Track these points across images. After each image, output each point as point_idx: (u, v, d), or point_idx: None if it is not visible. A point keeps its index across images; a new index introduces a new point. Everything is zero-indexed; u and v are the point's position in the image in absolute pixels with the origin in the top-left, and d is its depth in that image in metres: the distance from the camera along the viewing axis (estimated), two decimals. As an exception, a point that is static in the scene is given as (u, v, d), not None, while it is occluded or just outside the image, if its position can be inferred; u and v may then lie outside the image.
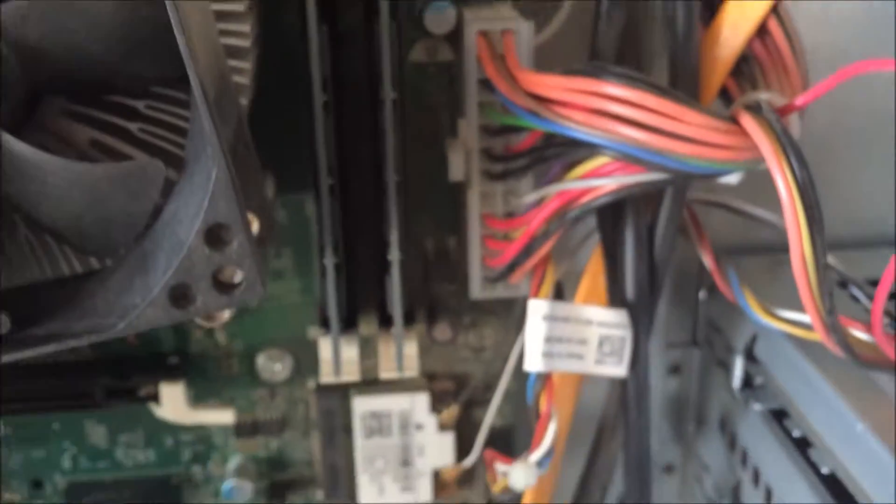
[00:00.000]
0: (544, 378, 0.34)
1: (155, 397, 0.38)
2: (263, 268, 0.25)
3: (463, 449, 0.42)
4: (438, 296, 0.39)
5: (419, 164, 0.36)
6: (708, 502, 0.44)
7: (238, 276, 0.24)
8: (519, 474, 0.35)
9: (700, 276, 0.44)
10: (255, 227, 0.29)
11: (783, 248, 0.30)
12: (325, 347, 0.36)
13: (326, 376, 0.36)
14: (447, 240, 0.39)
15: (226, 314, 0.28)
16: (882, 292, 0.29)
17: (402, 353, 0.36)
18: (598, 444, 0.39)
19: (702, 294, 0.43)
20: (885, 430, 0.30)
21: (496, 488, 0.38)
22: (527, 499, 0.38)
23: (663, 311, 0.45)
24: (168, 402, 0.38)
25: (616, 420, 0.38)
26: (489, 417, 0.40)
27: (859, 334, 0.31)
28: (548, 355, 0.33)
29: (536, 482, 0.37)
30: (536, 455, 0.34)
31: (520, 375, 0.38)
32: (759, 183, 0.32)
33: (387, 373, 0.37)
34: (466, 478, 0.43)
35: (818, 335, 0.30)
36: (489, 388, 0.41)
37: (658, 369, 0.46)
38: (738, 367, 0.39)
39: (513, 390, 0.42)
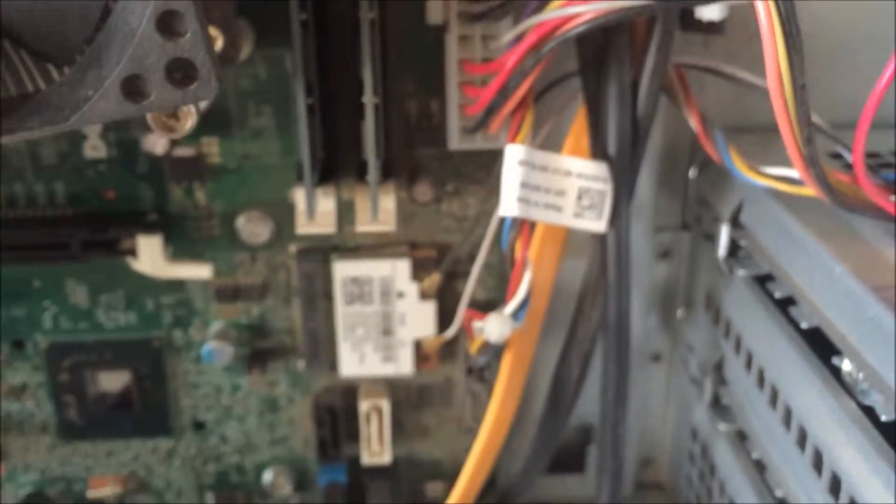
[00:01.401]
0: (519, 225, 0.33)
1: (133, 252, 0.38)
2: (219, 66, 0.24)
3: (445, 322, 0.42)
4: (421, 158, 0.39)
5: (399, 11, 0.35)
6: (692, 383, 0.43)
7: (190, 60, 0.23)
8: (494, 325, 0.34)
9: (690, 156, 0.43)
10: (220, 43, 0.29)
11: (773, 128, 0.29)
12: (300, 198, 0.35)
13: (302, 227, 0.36)
14: (430, 102, 0.38)
15: (188, 124, 0.27)
16: (863, 128, 0.28)
17: (378, 205, 0.35)
18: (578, 312, 0.39)
19: (691, 172, 0.43)
20: (863, 272, 0.29)
21: (473, 348, 0.37)
22: (506, 361, 0.38)
23: (652, 195, 0.44)
24: (145, 256, 0.37)
25: (597, 285, 0.37)
26: (470, 287, 0.40)
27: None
28: (524, 201, 0.32)
29: (514, 343, 0.37)
30: (511, 305, 0.34)
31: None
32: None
33: (364, 226, 0.36)
34: (448, 352, 0.43)
35: (798, 172, 0.29)
36: (472, 258, 0.41)
37: (647, 255, 0.45)
38: (724, 235, 0.38)
39: (495, 262, 0.41)
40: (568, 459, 0.48)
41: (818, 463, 0.31)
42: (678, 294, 0.46)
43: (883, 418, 0.28)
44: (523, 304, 0.34)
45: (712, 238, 0.40)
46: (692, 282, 0.44)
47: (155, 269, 0.38)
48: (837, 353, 0.30)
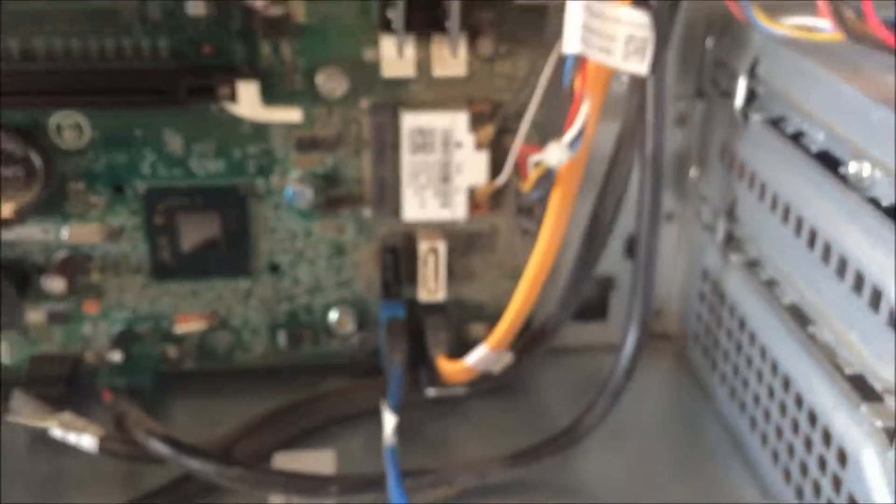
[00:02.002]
0: (580, 62, 0.39)
1: (231, 96, 0.43)
2: None
3: (495, 173, 0.48)
4: (479, 19, 0.44)
5: None
6: (705, 229, 0.50)
7: None
8: (553, 152, 0.40)
9: (707, 29, 0.49)
10: None
11: None
12: (387, 45, 0.41)
13: (389, 72, 0.42)
14: (490, -32, 0.44)
15: None
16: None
17: (456, 52, 0.41)
18: (616, 155, 0.45)
19: (708, 42, 0.49)
20: (868, 90, 0.36)
21: (527, 185, 0.43)
22: (555, 196, 0.44)
23: (671, 67, 0.51)
24: (244, 99, 0.43)
25: (634, 128, 0.43)
26: (520, 138, 0.46)
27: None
28: (584, 41, 0.38)
29: (562, 179, 0.43)
30: (569, 134, 0.40)
31: (548, 104, 0.44)
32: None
33: (440, 71, 0.42)
34: (496, 201, 0.49)
35: (819, 8, 0.35)
36: (519, 115, 0.47)
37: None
38: (742, 87, 0.45)
39: (540, 119, 0.47)
40: (591, 309, 0.55)
41: (826, 254, 0.38)
42: (690, 157, 0.52)
43: (884, 203, 0.35)
44: (579, 135, 0.40)
45: (728, 95, 0.46)
46: (706, 142, 0.50)
47: (252, 113, 0.43)
48: (843, 164, 0.37)
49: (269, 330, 0.51)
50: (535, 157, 0.42)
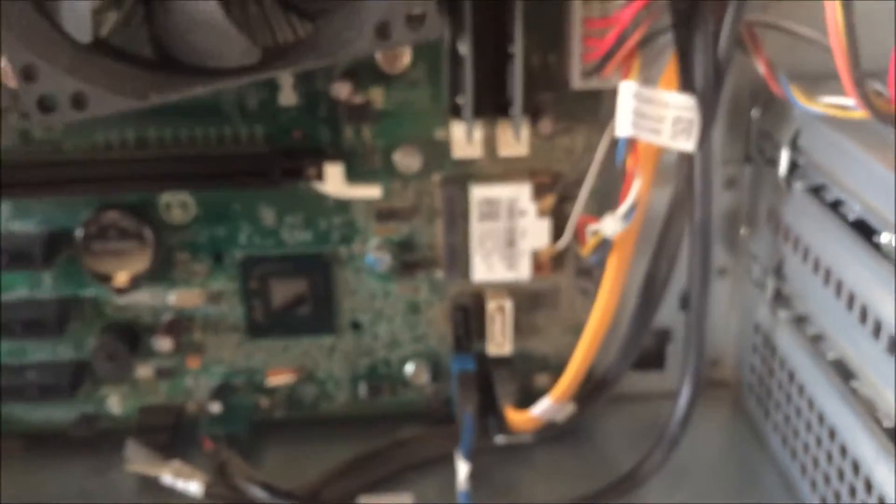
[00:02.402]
0: (631, 143, 0.43)
1: (319, 176, 0.48)
2: (441, 16, 0.35)
3: (557, 237, 0.52)
4: (538, 101, 0.49)
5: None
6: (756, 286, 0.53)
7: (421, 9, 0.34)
8: (609, 223, 0.44)
9: (752, 100, 0.53)
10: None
11: (827, 75, 0.39)
12: (456, 130, 0.46)
13: (458, 153, 0.47)
14: (549, 56, 0.49)
15: (405, 59, 0.37)
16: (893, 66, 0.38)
17: (519, 134, 0.45)
18: (668, 221, 0.49)
19: (754, 113, 0.53)
20: (897, 166, 0.39)
21: (586, 250, 0.48)
22: (612, 260, 0.48)
23: (720, 135, 0.54)
24: (331, 179, 0.48)
25: (684, 196, 0.47)
26: (581, 202, 0.50)
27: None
28: (635, 125, 0.43)
29: (618, 245, 0.47)
30: (623, 207, 0.44)
31: (604, 174, 0.48)
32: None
33: (505, 151, 0.47)
34: (558, 262, 0.53)
35: (848, 94, 0.39)
36: (578, 184, 0.51)
37: (716, 185, 0.55)
38: (784, 157, 0.48)
39: (597, 188, 0.51)
40: (649, 358, 0.59)
41: (864, 316, 0.41)
42: (741, 217, 0.56)
43: (913, 273, 0.38)
44: (632, 208, 0.44)
45: (773, 163, 0.50)
46: (754, 204, 0.54)
47: (337, 190, 0.48)
48: (877, 232, 0.40)
49: (350, 382, 0.55)
50: (592, 227, 0.46)
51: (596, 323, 0.49)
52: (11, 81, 0.37)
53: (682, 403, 0.48)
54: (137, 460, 0.48)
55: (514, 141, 0.46)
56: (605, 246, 0.46)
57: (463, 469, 0.45)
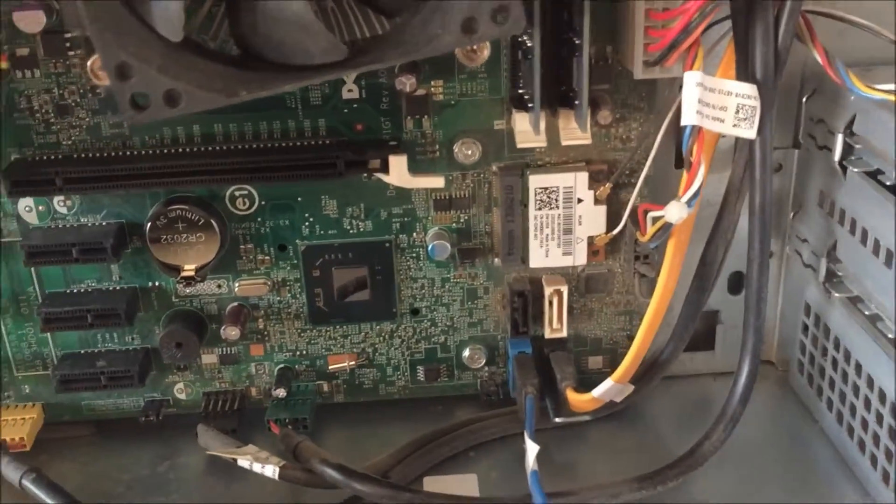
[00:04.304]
0: (696, 132, 0.44)
1: (383, 168, 0.49)
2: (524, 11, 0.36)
3: (611, 223, 0.53)
4: (597, 92, 0.50)
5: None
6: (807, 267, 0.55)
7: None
8: (674, 209, 0.45)
9: (801, 89, 0.54)
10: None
11: (872, 62, 0.39)
12: (521, 120, 0.47)
13: (522, 143, 0.48)
14: (606, 48, 0.49)
15: (485, 53, 0.38)
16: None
17: (585, 123, 0.46)
18: (724, 206, 0.50)
19: (804, 99, 0.54)
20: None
21: (647, 237, 0.49)
22: (671, 245, 0.49)
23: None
24: (394, 170, 0.49)
25: (742, 183, 0.48)
26: (635, 195, 0.51)
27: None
28: (699, 113, 0.43)
29: (677, 230, 0.48)
30: (688, 194, 0.45)
31: (658, 162, 0.49)
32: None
33: (568, 140, 0.48)
34: (612, 248, 0.54)
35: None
36: (633, 172, 0.52)
37: (766, 170, 0.56)
38: (839, 142, 0.49)
39: (651, 175, 0.52)
40: (698, 339, 0.60)
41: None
42: (788, 200, 0.57)
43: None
44: (696, 194, 0.45)
45: (826, 148, 0.51)
46: (802, 187, 0.55)
47: (401, 181, 0.49)
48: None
49: (409, 366, 0.57)
50: (655, 213, 0.47)
51: (656, 305, 0.50)
52: (102, 79, 0.37)
53: (741, 382, 0.49)
54: (214, 445, 0.50)
55: (579, 131, 0.47)
56: (665, 231, 0.47)
57: (533, 450, 0.47)
